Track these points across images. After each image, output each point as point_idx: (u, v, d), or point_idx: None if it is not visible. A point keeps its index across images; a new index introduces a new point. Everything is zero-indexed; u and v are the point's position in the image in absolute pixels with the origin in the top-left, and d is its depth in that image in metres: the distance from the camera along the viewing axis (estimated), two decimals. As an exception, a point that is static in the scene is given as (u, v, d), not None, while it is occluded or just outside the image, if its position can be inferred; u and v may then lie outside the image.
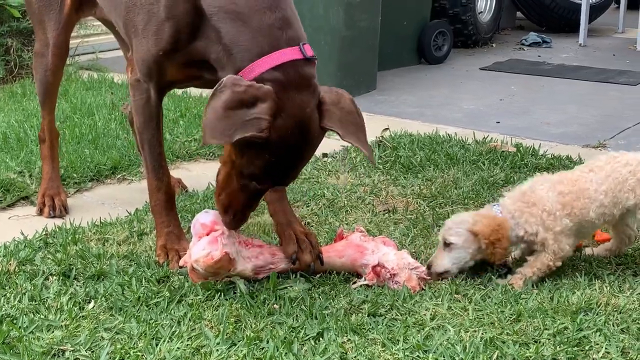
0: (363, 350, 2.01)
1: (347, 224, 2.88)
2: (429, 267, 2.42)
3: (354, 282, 2.41)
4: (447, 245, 2.40)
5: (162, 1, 2.30)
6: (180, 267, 2.47)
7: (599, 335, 2.07)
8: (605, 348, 2.01)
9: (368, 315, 2.20)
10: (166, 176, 2.61)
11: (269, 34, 2.15)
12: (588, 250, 2.62)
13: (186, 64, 2.38)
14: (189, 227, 2.61)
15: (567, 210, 2.37)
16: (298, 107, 2.11)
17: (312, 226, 2.89)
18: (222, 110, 2.06)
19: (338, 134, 2.18)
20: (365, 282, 2.39)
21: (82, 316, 2.20)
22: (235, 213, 2.29)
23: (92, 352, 2.03)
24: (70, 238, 2.72)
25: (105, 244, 2.71)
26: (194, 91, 4.92)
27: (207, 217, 2.38)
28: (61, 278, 2.43)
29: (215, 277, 2.32)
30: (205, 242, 2.30)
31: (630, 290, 2.33)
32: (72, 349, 2.04)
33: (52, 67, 3.09)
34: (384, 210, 3.03)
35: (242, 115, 2.05)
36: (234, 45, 2.18)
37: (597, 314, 2.18)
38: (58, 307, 2.25)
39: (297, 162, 2.21)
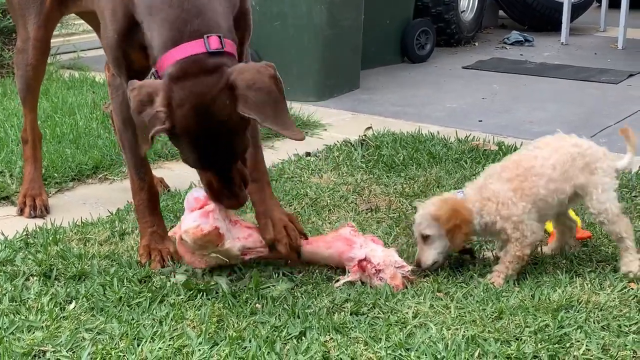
0: (345, 349, 2.01)
1: (330, 223, 2.88)
2: (418, 265, 2.44)
3: (337, 281, 2.41)
4: (425, 238, 2.42)
5: None
6: (163, 267, 2.47)
7: (580, 333, 2.08)
8: (586, 345, 2.03)
9: (350, 314, 2.20)
10: (148, 175, 2.60)
11: (174, 27, 2.12)
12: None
13: (143, 49, 2.32)
14: (172, 227, 2.61)
15: (519, 194, 2.38)
16: (195, 95, 2.06)
17: (295, 225, 2.88)
18: (135, 117, 2.12)
19: (256, 120, 2.08)
20: (349, 279, 2.38)
21: (63, 317, 2.19)
22: (218, 192, 2.25)
23: (73, 352, 2.02)
24: (51, 238, 2.70)
25: (87, 244, 2.69)
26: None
27: (201, 191, 2.38)
28: (42, 278, 2.41)
29: (203, 252, 2.33)
30: (197, 214, 2.32)
31: (611, 288, 2.35)
32: (53, 349, 2.02)
33: (33, 62, 3.06)
34: (367, 209, 3.04)
35: (146, 115, 2.08)
36: (150, 40, 2.19)
37: (577, 311, 2.20)
38: (39, 307, 2.23)
39: (216, 145, 2.14)
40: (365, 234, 2.57)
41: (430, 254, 2.42)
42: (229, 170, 2.23)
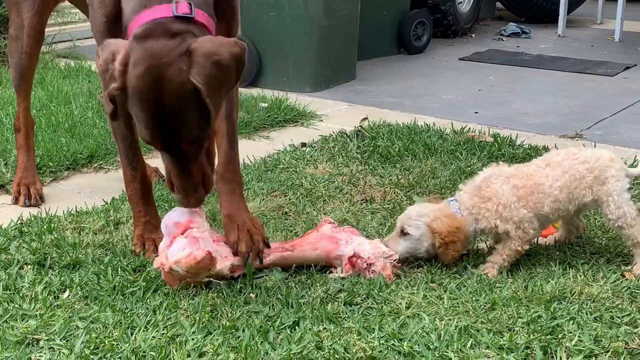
0: (338, 339, 2.02)
1: (324, 214, 2.88)
2: None
3: (330, 272, 2.41)
4: (403, 233, 2.42)
5: None
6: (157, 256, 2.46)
7: (572, 324, 2.09)
8: (579, 336, 2.03)
9: (344, 304, 2.20)
10: (141, 165, 2.58)
11: None
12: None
13: None
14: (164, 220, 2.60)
15: (523, 203, 2.40)
16: (152, 56, 2.00)
17: (289, 216, 2.89)
18: (101, 77, 2.07)
19: (201, 91, 2.00)
20: (341, 276, 2.37)
21: (57, 305, 2.19)
22: (175, 184, 2.15)
23: (67, 341, 2.02)
24: (45, 227, 2.70)
25: (81, 233, 2.69)
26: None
27: (180, 215, 2.31)
28: (36, 267, 2.41)
29: (194, 278, 2.25)
30: (185, 242, 2.24)
31: (604, 279, 2.35)
32: (46, 338, 2.03)
33: (27, 50, 3.05)
34: (362, 200, 3.04)
35: (108, 74, 2.03)
36: (124, 11, 2.17)
37: (570, 303, 2.20)
38: (33, 296, 2.23)
39: (166, 117, 2.03)
40: (355, 225, 2.56)
41: (398, 248, 2.41)
42: (185, 158, 2.11)
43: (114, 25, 2.29)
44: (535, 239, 2.60)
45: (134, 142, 2.56)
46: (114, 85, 2.01)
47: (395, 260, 2.39)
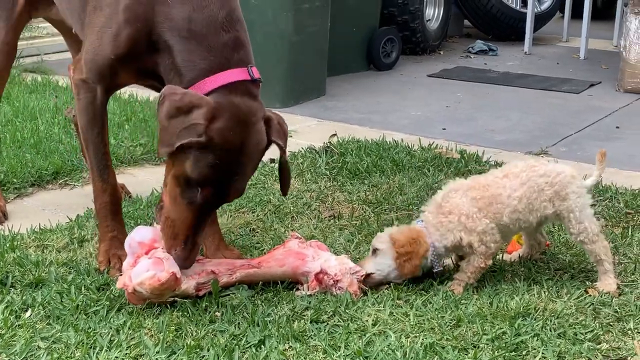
0: (304, 358, 2.01)
1: (292, 230, 2.87)
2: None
3: (297, 289, 2.40)
4: (374, 251, 2.44)
5: (121, 5, 2.31)
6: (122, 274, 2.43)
7: (536, 340, 2.11)
8: (542, 353, 2.05)
9: (310, 322, 2.20)
10: (112, 178, 2.57)
11: (221, 54, 2.24)
12: (499, 256, 2.64)
13: (138, 71, 2.39)
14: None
15: (483, 212, 2.41)
16: (241, 113, 2.19)
17: (257, 232, 2.88)
18: (165, 120, 2.14)
19: (281, 149, 2.34)
20: (308, 293, 2.36)
21: (18, 325, 2.15)
22: (186, 239, 2.22)
23: (28, 362, 1.99)
24: (8, 245, 2.66)
25: (45, 250, 2.66)
26: (140, 94, 4.86)
27: (144, 234, 2.30)
28: (-3, 286, 2.37)
29: (159, 299, 2.23)
30: (149, 263, 2.21)
31: (568, 295, 2.38)
32: (7, 358, 1.99)
33: None
34: (330, 216, 3.04)
35: (180, 122, 2.12)
36: (186, 62, 2.24)
37: (534, 319, 2.22)
38: (-7, 316, 2.19)
39: (239, 167, 2.22)
40: (321, 241, 2.57)
41: (368, 266, 2.42)
42: (209, 215, 2.26)
43: (120, 63, 2.35)
44: (500, 255, 2.62)
45: (106, 154, 2.54)
46: (197, 139, 2.11)
47: (362, 277, 2.39)
